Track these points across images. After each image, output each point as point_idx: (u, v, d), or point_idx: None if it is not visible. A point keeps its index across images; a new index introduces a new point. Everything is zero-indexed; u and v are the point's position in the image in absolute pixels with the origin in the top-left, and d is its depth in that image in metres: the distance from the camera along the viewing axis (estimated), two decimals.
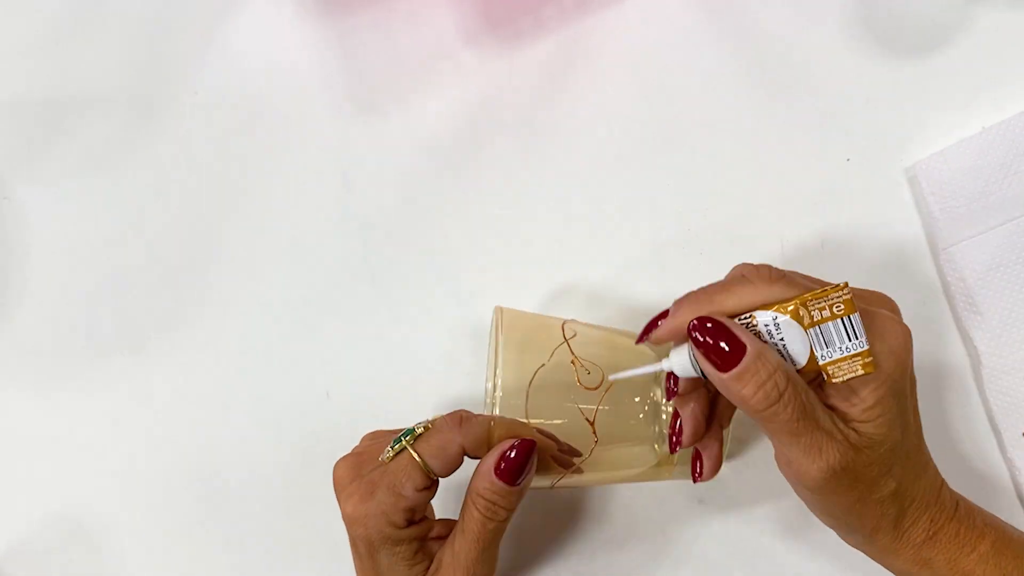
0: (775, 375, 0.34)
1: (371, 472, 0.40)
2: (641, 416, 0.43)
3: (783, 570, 0.48)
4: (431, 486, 0.40)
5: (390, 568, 0.40)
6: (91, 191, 0.57)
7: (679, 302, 0.37)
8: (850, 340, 0.34)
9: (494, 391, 0.42)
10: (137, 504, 0.54)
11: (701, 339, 0.35)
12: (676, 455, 0.43)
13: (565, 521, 0.50)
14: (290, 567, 0.53)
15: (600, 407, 0.42)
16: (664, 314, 0.37)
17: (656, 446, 0.44)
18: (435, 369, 0.52)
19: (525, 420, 0.42)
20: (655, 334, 0.37)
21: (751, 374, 0.34)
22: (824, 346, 0.34)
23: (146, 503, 0.54)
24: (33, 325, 0.57)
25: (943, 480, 0.39)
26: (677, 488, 0.49)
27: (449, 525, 0.42)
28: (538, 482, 0.42)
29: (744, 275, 0.36)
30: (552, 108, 0.53)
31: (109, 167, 0.57)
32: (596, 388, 0.42)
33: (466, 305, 0.53)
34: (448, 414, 0.41)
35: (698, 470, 0.41)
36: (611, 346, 0.45)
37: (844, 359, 0.34)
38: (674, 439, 0.40)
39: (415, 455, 0.39)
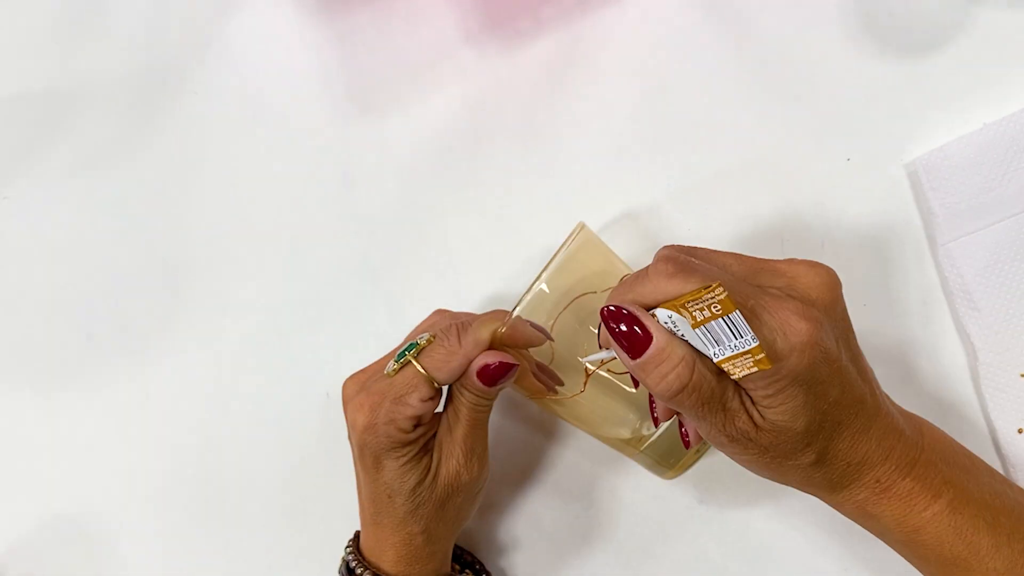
0: (678, 367, 0.35)
1: (377, 384, 0.43)
2: (634, 391, 0.45)
3: (783, 569, 0.48)
4: (435, 396, 0.42)
5: (396, 473, 0.42)
6: (91, 190, 0.58)
7: (615, 288, 0.38)
8: (736, 338, 0.34)
9: (528, 291, 0.43)
10: (137, 504, 0.55)
11: (611, 326, 0.36)
12: (645, 444, 0.46)
13: (564, 520, 0.50)
14: (290, 566, 0.53)
15: (603, 367, 0.44)
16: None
17: (635, 424, 0.46)
18: None
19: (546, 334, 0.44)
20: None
21: (654, 364, 0.35)
22: (715, 343, 0.35)
23: (146, 502, 0.55)
24: (33, 325, 0.57)
25: (902, 432, 0.38)
26: (678, 487, 0.49)
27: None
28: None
29: (649, 267, 0.37)
30: (551, 107, 0.53)
31: (109, 166, 0.57)
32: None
33: (465, 303, 0.53)
34: (446, 326, 0.43)
35: (686, 436, 0.42)
36: None
37: (737, 356, 0.34)
38: (653, 414, 0.42)
39: (419, 368, 0.42)
